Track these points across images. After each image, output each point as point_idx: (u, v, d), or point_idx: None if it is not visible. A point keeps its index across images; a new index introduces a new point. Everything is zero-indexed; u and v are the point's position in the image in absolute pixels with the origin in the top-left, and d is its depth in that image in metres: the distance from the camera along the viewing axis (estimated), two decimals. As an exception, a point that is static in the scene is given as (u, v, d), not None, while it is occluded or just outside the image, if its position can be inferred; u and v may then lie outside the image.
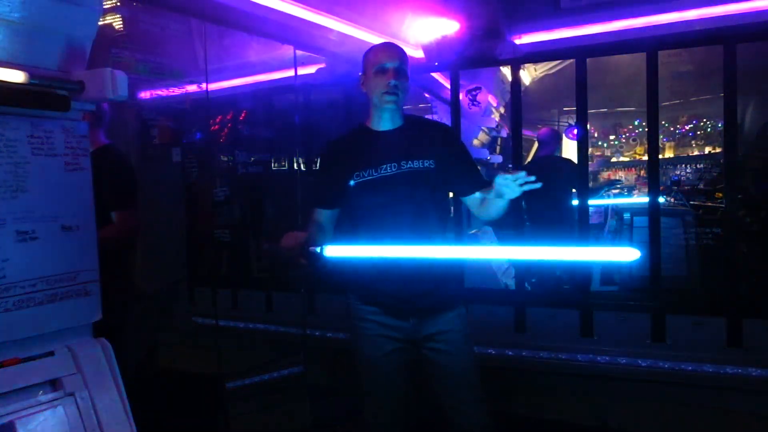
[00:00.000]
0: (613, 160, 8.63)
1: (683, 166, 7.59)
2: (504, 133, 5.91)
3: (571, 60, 3.43)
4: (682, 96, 7.07)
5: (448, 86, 3.87)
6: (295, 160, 4.17)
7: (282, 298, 4.13)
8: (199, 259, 4.64)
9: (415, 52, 3.47)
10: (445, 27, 3.31)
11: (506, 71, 4.73)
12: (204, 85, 3.43)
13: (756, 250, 3.67)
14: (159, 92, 4.24)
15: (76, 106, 1.54)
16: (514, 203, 1.91)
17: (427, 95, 5.10)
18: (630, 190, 6.93)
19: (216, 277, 4.46)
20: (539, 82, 5.91)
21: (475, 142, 5.46)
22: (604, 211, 5.60)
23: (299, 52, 3.49)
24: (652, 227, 3.14)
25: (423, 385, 2.07)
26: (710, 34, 2.95)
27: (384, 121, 2.01)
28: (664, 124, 7.84)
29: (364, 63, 2.03)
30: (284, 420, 3.18)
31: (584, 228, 3.34)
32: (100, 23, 1.63)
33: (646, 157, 3.36)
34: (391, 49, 2.02)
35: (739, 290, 3.00)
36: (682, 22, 2.99)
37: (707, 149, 7.80)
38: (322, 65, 3.87)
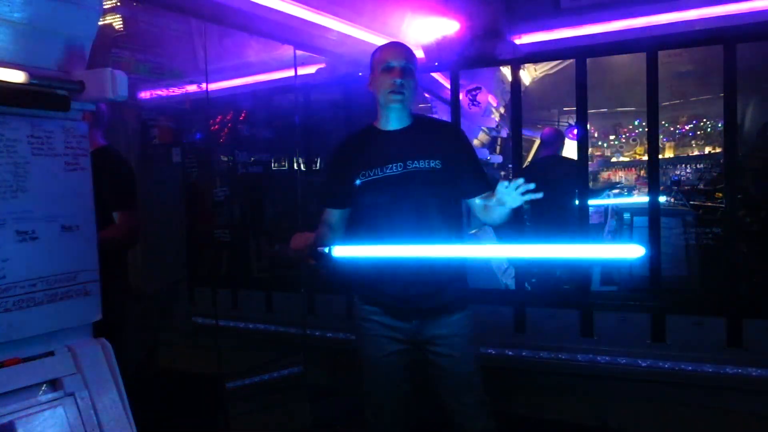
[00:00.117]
0: (613, 160, 8.62)
1: (683, 166, 7.59)
2: (504, 133, 5.91)
3: (571, 60, 3.42)
4: (682, 96, 7.06)
5: (448, 86, 3.87)
6: (295, 160, 4.17)
7: (282, 298, 4.13)
8: (199, 259, 4.64)
9: (415, 52, 3.47)
10: (445, 27, 3.31)
11: (506, 71, 4.74)
12: (204, 85, 3.44)
13: (756, 250, 3.67)
14: (159, 92, 4.25)
15: (76, 106, 1.54)
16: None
17: (427, 95, 5.10)
18: (630, 190, 6.93)
19: (216, 277, 4.46)
20: (539, 82, 5.92)
21: (475, 142, 5.46)
22: (604, 211, 5.60)
23: (299, 52, 3.49)
24: (652, 227, 3.14)
25: (426, 386, 2.07)
26: (710, 34, 2.95)
27: (391, 121, 2.00)
28: (664, 124, 7.84)
29: (371, 62, 2.03)
30: (284, 420, 3.19)
31: (586, 227, 3.35)
32: (100, 23, 1.63)
33: (646, 157, 3.36)
34: (397, 47, 2.02)
35: (739, 290, 3.00)
36: (682, 22, 2.99)
37: (707, 149, 7.79)
38: (322, 65, 3.88)
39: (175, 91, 4.16)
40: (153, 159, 4.57)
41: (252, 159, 4.55)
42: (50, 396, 1.44)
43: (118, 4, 3.64)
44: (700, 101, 7.36)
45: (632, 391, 3.08)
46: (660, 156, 3.23)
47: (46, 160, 1.49)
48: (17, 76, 1.36)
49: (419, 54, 3.50)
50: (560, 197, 3.99)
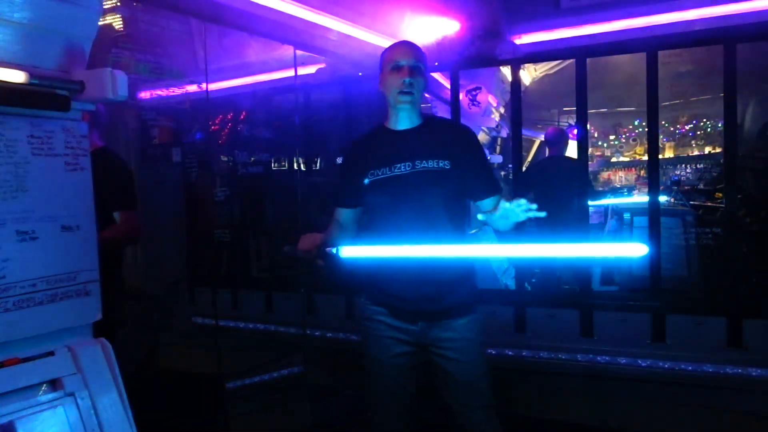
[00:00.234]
0: (613, 160, 8.61)
1: (683, 166, 7.58)
2: (504, 133, 5.91)
3: (571, 60, 3.43)
4: (682, 96, 7.04)
5: (448, 86, 3.87)
6: (295, 160, 4.17)
7: (282, 298, 4.13)
8: (199, 259, 4.64)
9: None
10: (446, 27, 3.31)
11: (506, 71, 4.73)
12: (204, 85, 3.44)
13: (756, 250, 3.66)
14: (159, 92, 4.24)
15: (76, 106, 1.54)
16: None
17: (427, 95, 5.10)
18: (630, 190, 6.92)
19: (216, 277, 4.46)
20: (539, 82, 5.91)
21: (475, 142, 5.45)
22: (604, 211, 5.59)
23: (299, 52, 3.49)
24: (652, 227, 3.14)
25: (430, 386, 2.06)
26: (710, 34, 2.95)
27: (401, 120, 2.00)
28: (664, 124, 7.82)
29: (380, 61, 2.02)
30: (284, 420, 3.18)
31: (586, 228, 3.35)
32: (100, 23, 1.63)
33: (646, 157, 3.36)
34: (406, 46, 2.00)
35: (739, 290, 3.00)
36: (682, 22, 2.99)
37: (707, 149, 7.78)
38: (322, 65, 3.87)
39: (175, 91, 4.15)
40: (153, 159, 4.58)
41: (252, 159, 4.55)
42: (50, 396, 1.44)
43: (118, 4, 3.64)
44: (700, 101, 7.35)
45: (632, 391, 3.08)
46: (660, 156, 3.23)
47: (47, 160, 1.49)
48: (17, 76, 1.36)
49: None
50: (567, 197, 3.96)
